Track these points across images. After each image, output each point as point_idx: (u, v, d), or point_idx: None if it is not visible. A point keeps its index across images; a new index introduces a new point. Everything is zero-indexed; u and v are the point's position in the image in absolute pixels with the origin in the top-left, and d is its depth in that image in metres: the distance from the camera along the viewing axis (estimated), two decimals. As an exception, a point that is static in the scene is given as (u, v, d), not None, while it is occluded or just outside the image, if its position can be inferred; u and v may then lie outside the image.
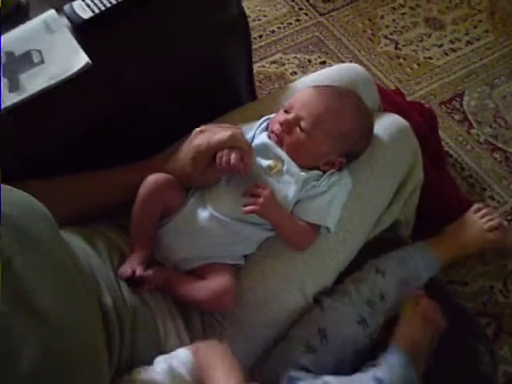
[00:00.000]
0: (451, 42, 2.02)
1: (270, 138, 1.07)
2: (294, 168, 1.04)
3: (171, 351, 0.92)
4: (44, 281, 0.72)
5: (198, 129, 1.04)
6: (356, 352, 1.07)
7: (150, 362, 0.90)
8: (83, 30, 1.06)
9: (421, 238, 1.36)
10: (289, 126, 1.05)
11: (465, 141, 1.79)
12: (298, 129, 1.05)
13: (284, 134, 1.05)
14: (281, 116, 1.07)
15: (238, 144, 1.00)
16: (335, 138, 1.06)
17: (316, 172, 1.06)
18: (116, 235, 1.05)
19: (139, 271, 0.95)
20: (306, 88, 1.12)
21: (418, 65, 1.96)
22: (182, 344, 0.97)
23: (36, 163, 1.02)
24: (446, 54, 1.99)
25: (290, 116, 1.05)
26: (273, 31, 2.02)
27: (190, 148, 1.02)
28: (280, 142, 1.06)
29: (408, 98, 1.81)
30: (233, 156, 0.98)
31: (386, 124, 1.19)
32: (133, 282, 0.95)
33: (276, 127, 1.06)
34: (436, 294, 1.19)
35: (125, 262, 0.99)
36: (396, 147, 1.17)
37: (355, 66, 1.28)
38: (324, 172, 1.06)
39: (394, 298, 1.14)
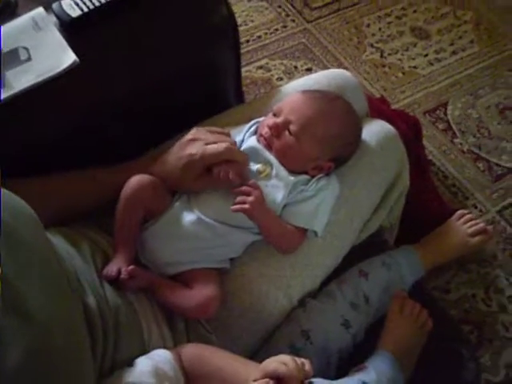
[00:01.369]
0: (436, 51, 2.04)
1: (259, 141, 1.07)
2: (283, 172, 1.04)
3: (154, 352, 0.92)
4: (31, 282, 0.71)
5: (188, 136, 1.03)
6: (340, 353, 1.07)
7: (132, 364, 0.89)
8: (71, 29, 1.05)
9: (403, 244, 1.37)
10: (278, 130, 1.05)
11: (448, 150, 1.81)
12: (286, 132, 1.05)
13: (273, 138, 1.05)
14: (270, 119, 1.07)
15: (233, 157, 1.00)
16: (324, 143, 1.06)
17: (304, 176, 1.06)
18: (99, 236, 1.04)
19: (125, 271, 0.94)
20: (295, 92, 1.12)
21: (403, 73, 1.98)
22: (165, 346, 0.96)
23: (20, 162, 1.00)
24: (431, 64, 2.01)
25: (279, 120, 1.05)
26: (259, 37, 2.02)
27: (181, 155, 1.01)
28: (269, 146, 1.05)
29: (392, 107, 1.82)
30: (231, 173, 0.98)
31: (374, 130, 1.19)
32: (117, 281, 0.94)
33: (265, 131, 1.06)
34: (420, 299, 1.19)
35: (109, 262, 0.97)
36: (383, 153, 1.17)
37: (344, 72, 1.28)
38: (312, 176, 1.06)
39: (378, 300, 1.15)
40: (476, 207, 1.69)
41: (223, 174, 0.98)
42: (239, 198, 0.98)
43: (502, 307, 1.52)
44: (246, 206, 0.98)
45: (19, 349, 0.64)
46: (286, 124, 1.05)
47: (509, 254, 1.60)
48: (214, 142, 1.01)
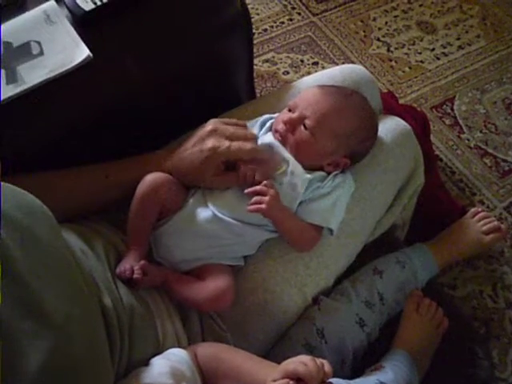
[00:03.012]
0: (443, 46, 2.03)
1: (275, 137, 1.06)
2: (299, 169, 1.03)
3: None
4: (49, 283, 0.70)
5: (208, 127, 1.02)
6: (354, 351, 1.06)
7: (147, 364, 0.88)
8: (84, 22, 1.03)
9: (412, 241, 1.37)
10: (293, 125, 1.04)
11: (455, 145, 1.80)
12: (302, 127, 1.03)
13: (288, 133, 1.04)
14: (285, 115, 1.05)
15: (258, 156, 1.00)
16: (339, 138, 1.04)
17: (320, 173, 1.05)
18: (112, 233, 1.03)
19: (137, 269, 0.93)
20: (310, 87, 1.10)
21: (410, 68, 1.97)
22: (179, 345, 0.95)
23: (33, 157, 0.99)
24: (438, 58, 2.00)
25: (295, 115, 1.04)
26: (265, 30, 2.01)
27: (203, 148, 1.00)
28: (284, 142, 1.04)
29: (399, 101, 1.81)
30: (257, 174, 0.98)
31: (389, 127, 1.18)
32: (131, 280, 0.93)
33: (280, 126, 1.05)
34: (434, 297, 1.19)
35: (122, 260, 0.96)
36: (399, 151, 1.17)
37: (359, 67, 1.27)
38: (328, 173, 1.05)
39: (392, 298, 1.14)
40: (483, 203, 1.69)
41: (250, 174, 0.98)
42: (255, 198, 0.97)
43: (509, 304, 1.51)
44: (263, 206, 0.96)
45: (38, 352, 0.63)
46: (301, 119, 1.04)
47: (516, 250, 1.60)
48: (234, 135, 1.00)
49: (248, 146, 0.99)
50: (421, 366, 1.07)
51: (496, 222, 1.47)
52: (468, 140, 1.82)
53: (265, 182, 0.98)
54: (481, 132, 1.83)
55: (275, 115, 1.10)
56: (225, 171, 1.01)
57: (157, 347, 0.93)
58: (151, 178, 1.00)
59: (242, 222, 1.00)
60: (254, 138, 1.03)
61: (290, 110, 1.06)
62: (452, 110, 1.88)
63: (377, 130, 1.13)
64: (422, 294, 1.19)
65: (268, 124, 1.09)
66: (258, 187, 0.98)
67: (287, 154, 1.04)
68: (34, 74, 0.98)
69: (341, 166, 1.06)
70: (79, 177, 1.03)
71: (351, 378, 0.98)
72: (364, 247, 1.18)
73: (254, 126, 1.09)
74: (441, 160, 1.77)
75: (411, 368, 1.02)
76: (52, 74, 0.99)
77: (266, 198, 0.97)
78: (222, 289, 0.97)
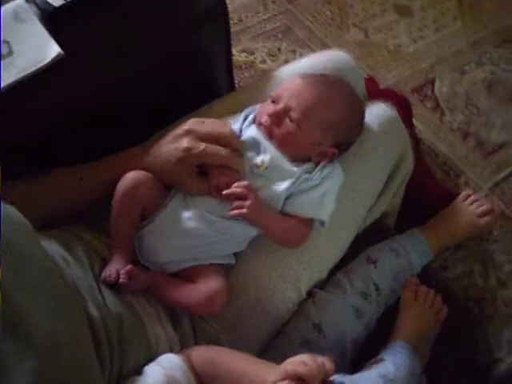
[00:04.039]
0: (419, 29, 2.02)
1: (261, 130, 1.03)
2: (285, 163, 1.00)
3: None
4: (32, 299, 0.67)
5: (185, 126, 0.98)
6: (353, 344, 1.04)
7: (140, 372, 0.85)
8: (54, 19, 0.98)
9: (403, 229, 1.35)
10: (278, 117, 1.00)
11: (437, 128, 1.79)
12: (287, 120, 1.00)
13: (273, 126, 1.01)
14: (269, 107, 1.02)
15: (230, 165, 0.97)
16: (326, 128, 1.02)
17: (308, 165, 1.02)
18: (96, 239, 0.99)
19: (123, 273, 0.90)
20: (293, 77, 1.07)
21: (388, 52, 1.95)
22: (172, 350, 0.93)
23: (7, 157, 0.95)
24: (415, 42, 1.98)
25: (279, 107, 1.01)
26: (240, 20, 1.97)
27: (177, 147, 0.97)
28: (269, 135, 1.01)
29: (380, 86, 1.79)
30: (236, 187, 0.95)
31: (376, 113, 1.16)
32: (117, 285, 0.90)
33: (264, 119, 1.01)
34: (430, 283, 1.17)
35: (107, 265, 0.93)
36: (386, 137, 1.14)
37: (341, 53, 1.23)
38: (316, 164, 1.03)
39: (388, 288, 1.12)
40: (468, 185, 1.68)
41: (223, 186, 0.95)
42: (236, 203, 0.95)
43: (500, 283, 1.51)
44: (244, 210, 0.94)
45: (23, 373, 0.61)
46: (286, 111, 1.00)
47: (504, 230, 1.59)
48: (209, 135, 0.97)
49: (223, 151, 0.97)
50: (422, 354, 1.06)
51: (489, 205, 1.45)
52: (450, 122, 1.81)
53: (245, 183, 0.96)
54: (462, 114, 1.82)
55: (258, 106, 1.07)
56: (199, 176, 0.98)
57: (150, 353, 0.90)
58: (132, 175, 0.98)
59: (227, 219, 0.97)
60: (230, 140, 0.99)
61: (273, 102, 1.03)
62: (433, 92, 1.86)
63: (363, 116, 1.10)
64: (419, 281, 1.17)
65: (251, 116, 1.06)
66: (238, 190, 0.95)
67: (271, 148, 1.01)
68: (4, 75, 0.94)
69: (328, 155, 1.03)
70: (52, 182, 0.99)
71: (351, 372, 0.96)
72: (356, 237, 1.16)
73: (237, 122, 1.06)
74: (424, 144, 1.75)
75: (413, 358, 1.00)
76: (23, 74, 0.94)
77: (247, 203, 0.94)
78: (214, 291, 0.94)
